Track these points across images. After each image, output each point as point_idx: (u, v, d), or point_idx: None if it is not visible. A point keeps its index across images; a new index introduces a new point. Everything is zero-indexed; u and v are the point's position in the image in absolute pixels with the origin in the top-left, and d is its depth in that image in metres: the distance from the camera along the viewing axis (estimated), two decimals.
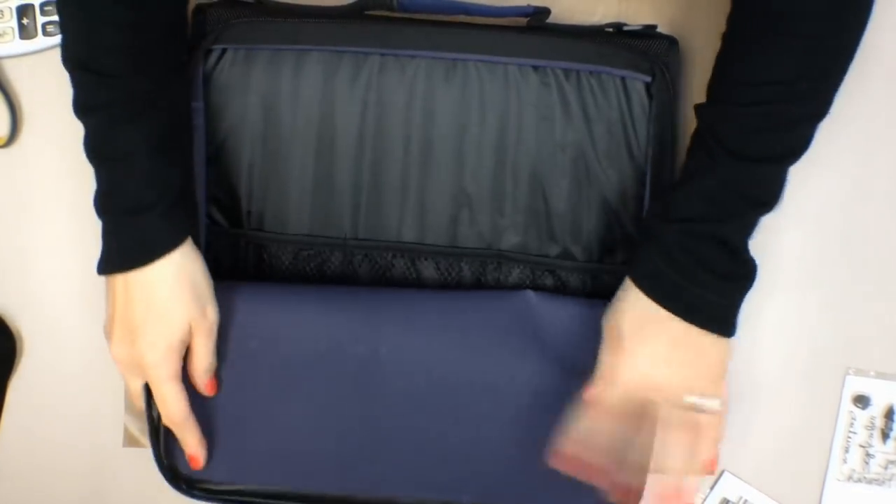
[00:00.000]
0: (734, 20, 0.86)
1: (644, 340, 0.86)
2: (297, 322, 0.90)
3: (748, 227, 0.86)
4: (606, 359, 0.87)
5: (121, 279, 0.85)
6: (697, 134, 0.87)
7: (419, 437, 0.91)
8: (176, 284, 0.85)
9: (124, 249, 0.85)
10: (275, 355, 0.91)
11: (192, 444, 0.90)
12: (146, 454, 1.01)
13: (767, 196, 0.86)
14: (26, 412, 1.01)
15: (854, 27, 0.84)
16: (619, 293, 0.88)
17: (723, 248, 0.85)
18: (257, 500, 0.93)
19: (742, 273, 0.87)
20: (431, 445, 0.91)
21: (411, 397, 0.91)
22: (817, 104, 0.85)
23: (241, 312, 0.91)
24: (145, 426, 1.00)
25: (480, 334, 0.91)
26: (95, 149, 0.85)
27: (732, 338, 0.88)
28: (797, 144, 0.85)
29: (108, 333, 0.88)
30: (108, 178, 0.85)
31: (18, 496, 1.02)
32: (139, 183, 0.84)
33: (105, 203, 0.85)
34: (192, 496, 0.93)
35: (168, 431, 0.91)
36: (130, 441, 1.02)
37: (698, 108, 0.87)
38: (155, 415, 0.90)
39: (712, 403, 0.88)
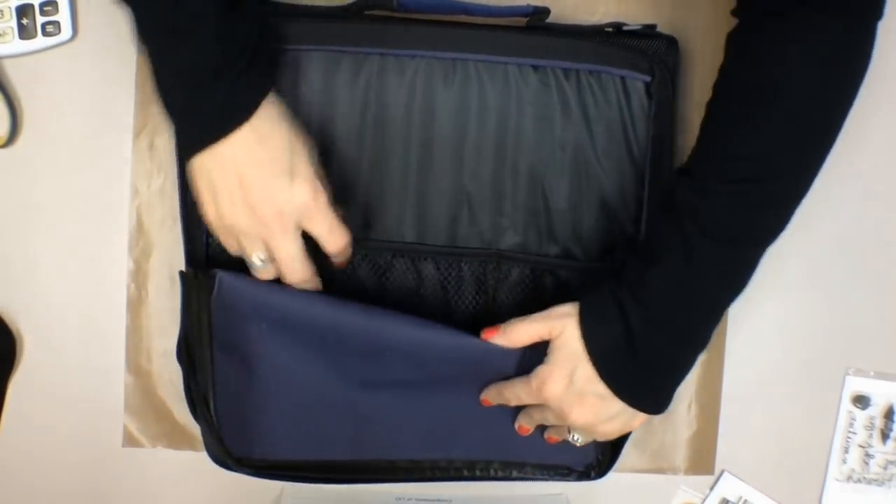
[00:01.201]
0: (720, 89, 0.86)
1: (574, 387, 0.87)
2: (303, 307, 0.90)
3: (714, 319, 0.87)
4: (544, 370, 0.88)
5: (216, 151, 0.83)
6: (672, 207, 0.86)
7: (413, 407, 0.94)
8: (276, 131, 0.84)
9: (215, 117, 0.83)
10: (284, 336, 0.90)
11: (320, 284, 0.91)
12: (146, 453, 1.02)
13: (740, 282, 0.86)
14: (26, 410, 1.01)
15: (843, 104, 0.83)
16: (572, 327, 0.87)
17: (682, 341, 0.87)
18: (293, 472, 0.96)
19: (691, 360, 0.88)
20: (423, 411, 0.94)
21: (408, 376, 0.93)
22: (800, 182, 0.84)
23: (248, 297, 0.90)
24: (145, 426, 1.01)
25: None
26: (157, 25, 0.82)
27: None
28: (776, 225, 0.85)
29: (217, 218, 0.85)
30: (179, 50, 0.81)
31: (18, 495, 1.02)
32: (216, 45, 0.81)
33: (177, 81, 0.83)
34: (241, 472, 0.95)
35: (223, 412, 0.92)
36: (130, 441, 1.02)
37: (678, 176, 0.86)
38: (203, 394, 0.91)
39: (578, 441, 0.92)
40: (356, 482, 0.97)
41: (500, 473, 0.98)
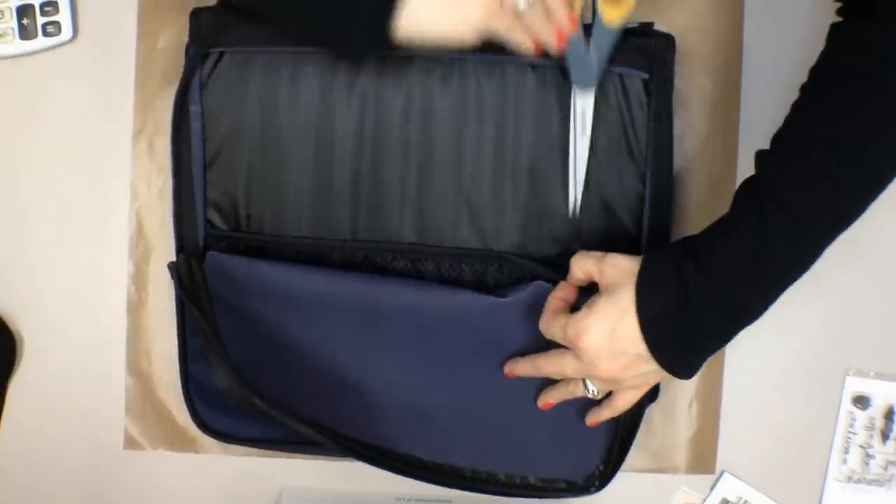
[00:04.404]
0: (818, 73, 0.84)
1: (613, 343, 0.85)
2: (299, 278, 0.92)
3: (772, 298, 0.85)
4: (586, 319, 0.86)
5: None
6: (751, 182, 0.85)
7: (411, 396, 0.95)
8: None
9: None
10: (280, 307, 0.93)
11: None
12: (146, 456, 1.02)
13: (804, 265, 0.84)
14: (26, 412, 1.01)
15: None
16: (628, 284, 0.85)
17: (735, 315, 0.85)
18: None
19: (735, 334, 0.87)
20: (424, 405, 0.95)
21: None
22: (884, 175, 0.82)
23: (241, 272, 0.93)
24: (145, 428, 1.01)
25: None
26: None
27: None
28: (852, 213, 0.83)
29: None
30: None
31: (18, 497, 1.02)
32: None
33: None
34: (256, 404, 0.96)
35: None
36: (131, 443, 1.02)
37: (759, 154, 0.85)
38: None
39: (593, 394, 0.91)
40: (358, 458, 0.96)
41: (502, 488, 0.98)
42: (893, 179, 0.82)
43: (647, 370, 0.86)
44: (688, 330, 0.84)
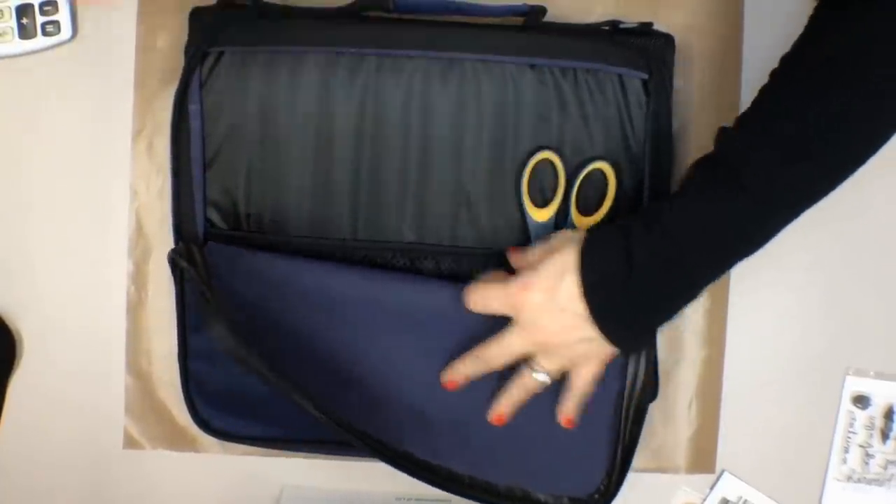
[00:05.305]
0: (790, 57, 0.84)
1: (554, 300, 0.85)
2: (305, 275, 0.93)
3: (720, 270, 0.85)
4: (529, 276, 0.86)
5: None
6: (710, 159, 0.84)
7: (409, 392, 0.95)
8: None
9: None
10: (283, 302, 0.94)
11: None
12: (146, 455, 1.02)
13: (758, 240, 0.84)
14: (26, 412, 1.01)
15: None
16: (574, 245, 0.86)
17: (682, 287, 0.85)
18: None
19: (680, 308, 0.87)
20: (422, 403, 0.94)
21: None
22: (846, 160, 0.82)
23: (243, 262, 0.93)
24: (145, 428, 1.01)
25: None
26: None
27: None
28: (811, 193, 0.83)
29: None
30: None
31: (18, 496, 1.02)
32: None
33: None
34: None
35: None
36: (130, 443, 1.02)
37: (722, 132, 0.85)
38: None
39: (542, 377, 0.89)
40: (353, 441, 0.94)
41: (503, 500, 0.97)
42: (857, 167, 0.82)
43: (590, 335, 0.85)
44: (630, 293, 0.84)
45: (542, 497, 0.97)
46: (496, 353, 0.89)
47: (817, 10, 0.85)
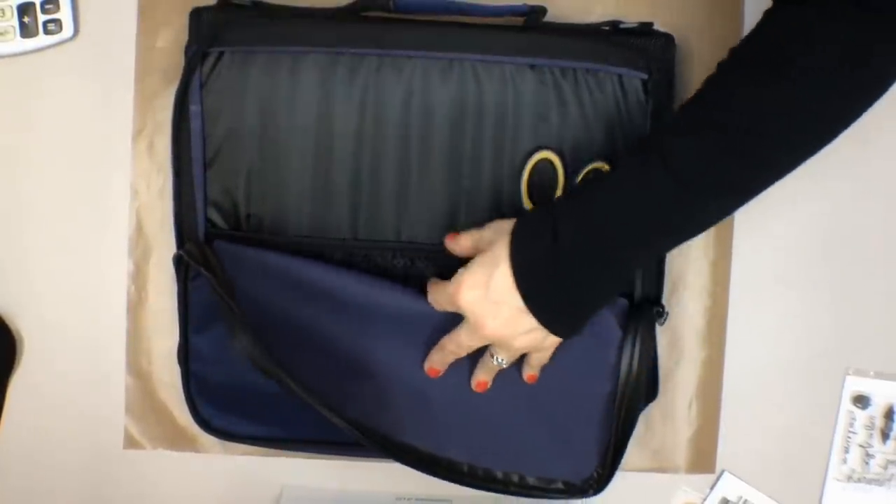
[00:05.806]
0: (737, 50, 0.83)
1: (489, 295, 0.85)
2: (310, 273, 0.93)
3: (646, 257, 0.86)
4: (463, 274, 0.87)
5: None
6: (644, 145, 0.84)
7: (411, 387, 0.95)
8: None
9: None
10: (286, 293, 0.94)
11: None
12: (146, 455, 1.02)
13: (686, 229, 0.84)
14: (26, 412, 1.01)
15: (861, 100, 0.80)
16: (504, 236, 0.86)
17: (610, 272, 0.85)
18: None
19: (610, 292, 0.88)
20: (425, 396, 0.95)
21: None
22: (780, 156, 0.81)
23: (250, 259, 0.94)
24: (146, 428, 1.01)
25: None
26: None
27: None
28: (742, 186, 0.82)
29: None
30: None
31: (18, 496, 1.02)
32: None
33: None
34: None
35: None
36: (131, 443, 1.02)
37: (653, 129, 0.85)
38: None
39: (501, 362, 0.91)
40: (357, 437, 0.94)
41: (500, 485, 0.98)
42: (789, 169, 0.82)
43: (530, 326, 0.86)
44: (560, 279, 0.84)
45: (536, 482, 0.98)
46: (453, 348, 0.91)
47: (770, 9, 0.84)
